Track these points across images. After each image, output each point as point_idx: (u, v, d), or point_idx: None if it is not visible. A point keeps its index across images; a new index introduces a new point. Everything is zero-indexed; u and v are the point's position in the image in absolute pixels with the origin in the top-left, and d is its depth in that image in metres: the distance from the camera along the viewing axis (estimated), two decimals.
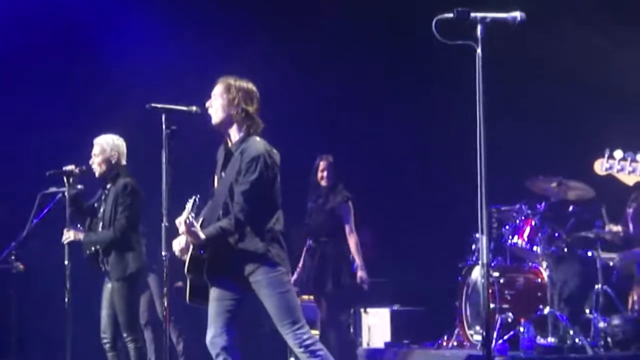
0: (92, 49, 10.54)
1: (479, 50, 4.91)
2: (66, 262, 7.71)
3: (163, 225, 6.11)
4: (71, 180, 7.77)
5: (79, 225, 7.92)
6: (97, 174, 7.88)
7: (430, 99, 10.66)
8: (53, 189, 7.99)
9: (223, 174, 6.14)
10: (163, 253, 6.10)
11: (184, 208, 5.85)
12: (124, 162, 7.91)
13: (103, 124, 8.14)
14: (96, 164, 7.85)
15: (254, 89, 6.18)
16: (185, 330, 9.71)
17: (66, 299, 7.66)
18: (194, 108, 6.20)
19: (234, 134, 6.12)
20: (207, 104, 6.14)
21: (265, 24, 10.81)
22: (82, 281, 7.86)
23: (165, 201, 6.10)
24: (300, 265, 9.25)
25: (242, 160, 5.98)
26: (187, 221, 5.81)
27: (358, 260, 9.19)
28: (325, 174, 9.21)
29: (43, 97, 10.45)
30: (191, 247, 6.03)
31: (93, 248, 7.78)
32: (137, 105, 6.29)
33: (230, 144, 6.15)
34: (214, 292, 6.08)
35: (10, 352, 9.22)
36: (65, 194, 7.78)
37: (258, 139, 6.08)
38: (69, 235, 7.78)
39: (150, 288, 9.57)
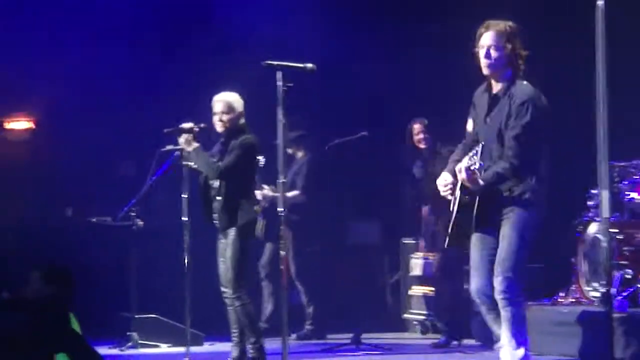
0: (208, 10, 10.65)
1: (600, 3, 4.79)
2: (184, 218, 7.73)
3: (280, 182, 6.15)
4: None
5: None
6: (220, 131, 7.80)
7: (546, 51, 10.43)
8: (170, 147, 7.94)
9: (488, 119, 6.03)
10: (279, 209, 6.16)
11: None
12: (243, 120, 7.87)
13: (220, 82, 8.16)
14: (224, 121, 7.75)
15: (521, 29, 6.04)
16: (317, 293, 9.79)
17: (185, 255, 7.70)
18: (310, 65, 6.18)
19: (502, 78, 6.00)
20: (484, 54, 5.95)
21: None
22: (201, 237, 7.94)
23: (281, 159, 6.13)
24: (422, 229, 9.51)
25: (512, 104, 5.87)
26: (472, 168, 5.72)
27: None
28: (422, 136, 9.15)
29: (166, 59, 10.68)
30: (458, 189, 5.98)
31: (195, 165, 7.68)
32: (253, 63, 6.31)
33: (494, 88, 6.03)
34: (475, 239, 6.03)
35: (131, 308, 9.39)
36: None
37: (525, 82, 5.96)
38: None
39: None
